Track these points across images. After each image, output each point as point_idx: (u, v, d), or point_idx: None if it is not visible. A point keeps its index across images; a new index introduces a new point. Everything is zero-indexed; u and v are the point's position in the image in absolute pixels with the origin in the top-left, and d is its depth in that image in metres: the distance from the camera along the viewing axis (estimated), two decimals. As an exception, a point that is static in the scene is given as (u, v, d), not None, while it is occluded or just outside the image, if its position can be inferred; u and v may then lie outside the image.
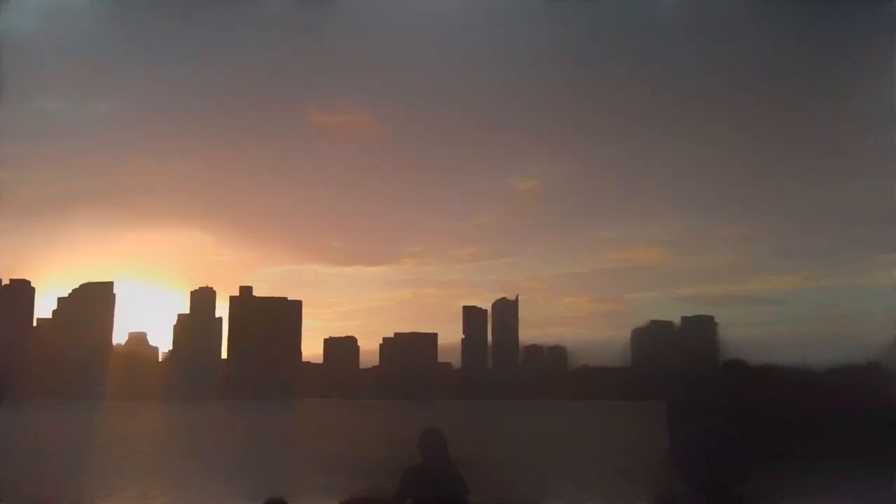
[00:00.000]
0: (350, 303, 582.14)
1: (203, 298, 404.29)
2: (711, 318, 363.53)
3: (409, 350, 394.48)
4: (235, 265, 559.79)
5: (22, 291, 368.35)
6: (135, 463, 56.71)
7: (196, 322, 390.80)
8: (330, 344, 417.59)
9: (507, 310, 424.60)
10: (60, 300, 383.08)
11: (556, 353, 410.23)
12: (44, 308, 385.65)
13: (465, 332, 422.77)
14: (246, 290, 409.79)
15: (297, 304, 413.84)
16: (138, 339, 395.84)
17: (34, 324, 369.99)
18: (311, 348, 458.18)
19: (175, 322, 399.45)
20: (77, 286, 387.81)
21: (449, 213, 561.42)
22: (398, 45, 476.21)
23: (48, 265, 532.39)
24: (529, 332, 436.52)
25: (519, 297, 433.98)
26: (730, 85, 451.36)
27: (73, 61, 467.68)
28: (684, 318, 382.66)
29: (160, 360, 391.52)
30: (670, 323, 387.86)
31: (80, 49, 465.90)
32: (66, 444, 75.65)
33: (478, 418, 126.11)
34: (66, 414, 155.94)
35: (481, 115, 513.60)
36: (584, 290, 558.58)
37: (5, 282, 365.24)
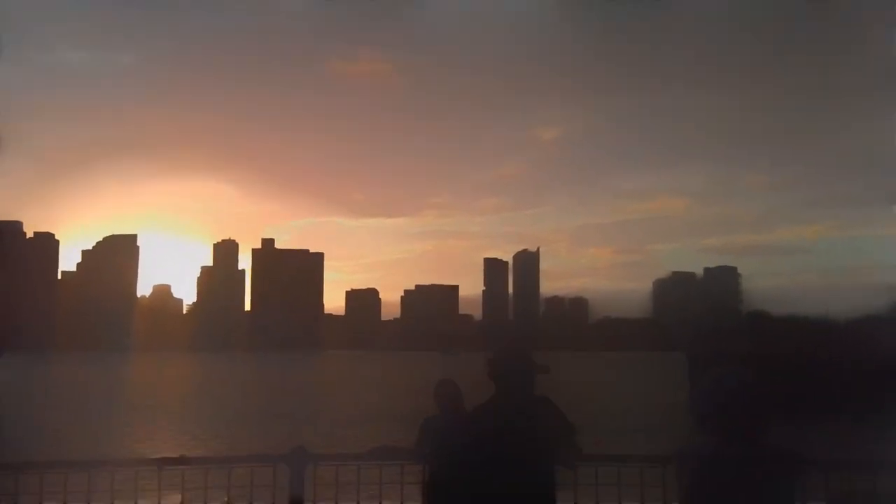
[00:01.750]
0: (372, 255, 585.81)
1: (226, 251, 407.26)
2: (734, 268, 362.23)
3: (430, 302, 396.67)
4: (258, 217, 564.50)
5: (46, 244, 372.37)
6: (164, 412, 57.73)
7: (219, 274, 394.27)
8: (352, 296, 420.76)
9: (528, 261, 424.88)
10: (85, 253, 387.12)
11: (578, 305, 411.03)
12: (68, 261, 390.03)
13: (486, 283, 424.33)
14: (268, 243, 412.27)
15: (319, 257, 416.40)
16: (162, 291, 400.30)
17: (59, 276, 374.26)
18: (334, 300, 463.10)
19: (199, 274, 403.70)
20: (101, 239, 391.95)
21: (471, 164, 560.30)
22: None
23: (72, 218, 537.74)
24: (551, 284, 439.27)
25: (540, 249, 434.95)
26: (753, 34, 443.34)
27: (94, 13, 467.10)
28: (707, 269, 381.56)
29: (184, 311, 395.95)
30: (693, 274, 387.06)
31: (101, 0, 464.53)
32: (100, 394, 76.99)
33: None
34: (93, 365, 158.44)
35: (504, 65, 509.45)
36: (606, 242, 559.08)
37: (29, 235, 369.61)
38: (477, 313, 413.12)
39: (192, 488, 9.61)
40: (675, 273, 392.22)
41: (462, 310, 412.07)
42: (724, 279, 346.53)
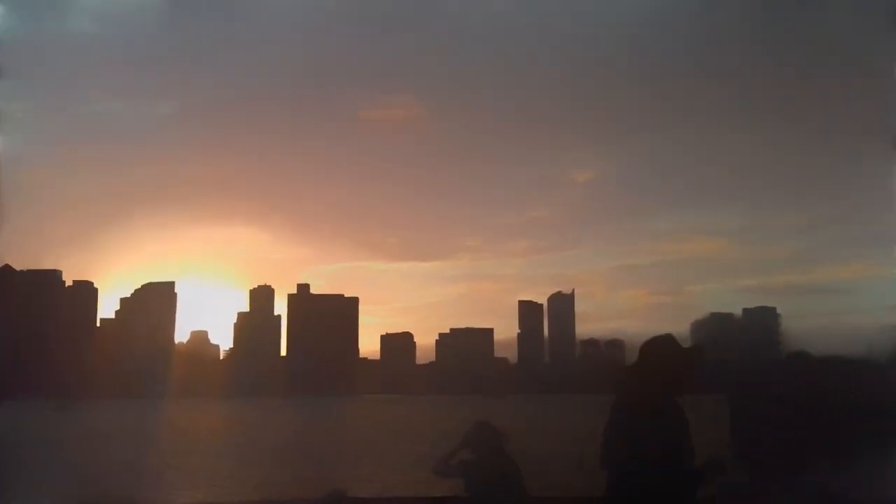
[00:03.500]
0: (405, 298, 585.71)
1: (262, 296, 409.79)
2: (773, 309, 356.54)
3: (465, 345, 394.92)
4: (293, 263, 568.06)
5: (85, 292, 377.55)
6: (204, 457, 57.88)
7: (255, 320, 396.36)
8: (386, 340, 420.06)
9: (563, 304, 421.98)
10: (123, 300, 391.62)
11: (615, 347, 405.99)
12: (107, 309, 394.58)
13: (520, 326, 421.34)
14: (303, 288, 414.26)
15: (354, 301, 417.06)
16: (200, 338, 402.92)
17: (98, 324, 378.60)
18: (369, 344, 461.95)
19: (235, 320, 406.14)
20: (139, 286, 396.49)
21: (503, 207, 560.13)
22: (450, 37, 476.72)
23: (110, 266, 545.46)
24: (586, 326, 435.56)
25: (575, 291, 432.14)
26: (787, 72, 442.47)
27: (130, 63, 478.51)
28: (745, 310, 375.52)
29: (221, 357, 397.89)
30: (731, 315, 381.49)
31: (136, 50, 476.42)
32: (140, 440, 77.47)
33: (538, 412, 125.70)
34: (132, 412, 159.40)
35: (535, 107, 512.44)
36: (642, 283, 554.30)
37: (69, 283, 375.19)
38: (512, 356, 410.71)
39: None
40: (712, 314, 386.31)
41: (497, 353, 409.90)
42: (763, 320, 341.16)
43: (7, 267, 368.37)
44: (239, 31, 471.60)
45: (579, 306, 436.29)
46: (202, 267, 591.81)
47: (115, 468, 49.14)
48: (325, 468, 47.79)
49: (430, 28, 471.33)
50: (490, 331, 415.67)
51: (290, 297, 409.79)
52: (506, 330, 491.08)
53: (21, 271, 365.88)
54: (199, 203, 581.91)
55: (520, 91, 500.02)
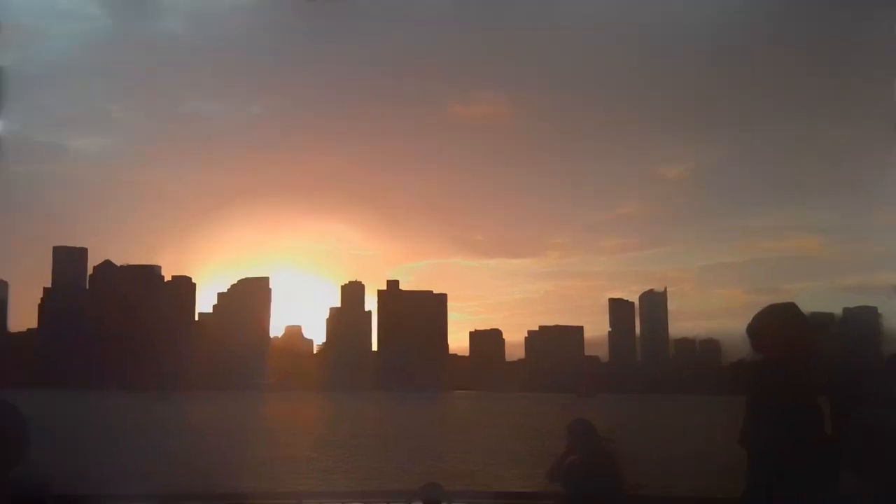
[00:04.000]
0: (494, 295, 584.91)
1: (353, 292, 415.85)
2: (874, 308, 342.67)
3: (554, 343, 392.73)
4: (382, 259, 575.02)
5: (184, 287, 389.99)
6: (299, 449, 59.21)
7: (347, 315, 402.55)
8: (475, 336, 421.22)
9: (655, 302, 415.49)
10: (220, 295, 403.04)
11: (709, 347, 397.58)
12: (205, 303, 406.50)
13: (611, 324, 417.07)
14: (393, 284, 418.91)
15: (443, 297, 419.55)
16: (294, 332, 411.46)
17: (196, 318, 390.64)
18: (458, 341, 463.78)
19: (328, 315, 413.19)
20: (235, 281, 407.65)
21: (593, 203, 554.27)
22: (538, 32, 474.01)
23: (208, 261, 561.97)
24: (680, 325, 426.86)
25: (668, 289, 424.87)
26: (884, 58, 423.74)
27: (224, 63, 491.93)
28: (846, 309, 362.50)
29: (315, 351, 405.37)
30: (831, 314, 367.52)
31: (230, 51, 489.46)
32: (238, 432, 79.64)
33: (632, 412, 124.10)
34: (229, 404, 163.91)
35: (625, 103, 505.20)
36: (737, 281, 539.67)
37: (168, 278, 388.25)
38: (603, 355, 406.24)
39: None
40: (812, 314, 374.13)
41: (588, 351, 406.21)
42: (864, 319, 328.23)
43: (108, 263, 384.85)
44: (329, 30, 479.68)
45: (672, 304, 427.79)
46: (296, 262, 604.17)
47: (216, 458, 50.74)
48: (422, 461, 48.34)
49: (519, 24, 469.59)
50: (580, 328, 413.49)
51: (380, 293, 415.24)
52: (596, 328, 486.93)
53: (122, 266, 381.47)
54: (292, 200, 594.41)
55: (609, 87, 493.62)
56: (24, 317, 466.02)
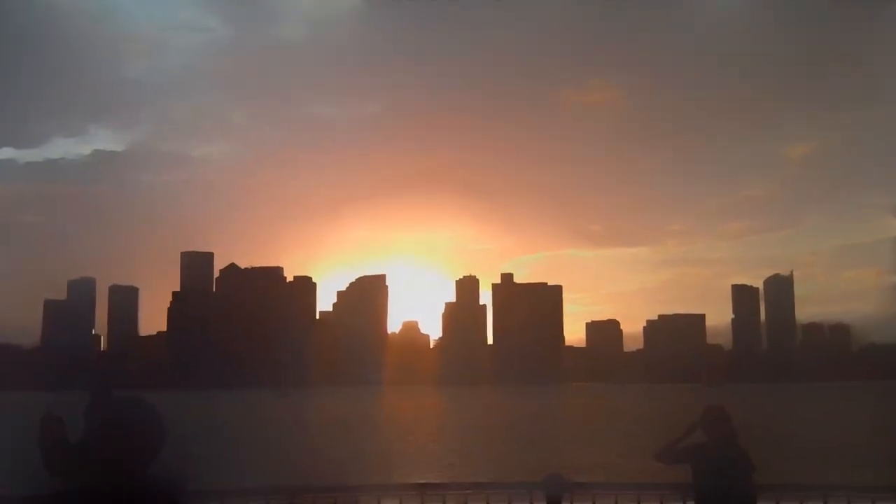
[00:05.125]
0: (611, 286, 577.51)
1: (468, 286, 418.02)
2: None
3: (675, 332, 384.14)
4: (496, 252, 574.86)
5: (305, 287, 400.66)
6: (421, 441, 59.89)
7: (462, 309, 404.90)
8: (592, 328, 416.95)
9: (781, 287, 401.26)
10: (339, 293, 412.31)
11: (839, 332, 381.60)
12: (325, 302, 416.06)
13: (734, 311, 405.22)
14: (507, 277, 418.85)
15: (558, 289, 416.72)
16: (411, 328, 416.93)
17: (317, 316, 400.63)
18: (574, 333, 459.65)
19: (443, 310, 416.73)
20: (354, 280, 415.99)
21: (713, 187, 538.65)
22: (651, 15, 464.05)
23: (327, 261, 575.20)
24: (807, 310, 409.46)
25: (794, 273, 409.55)
26: None
27: (339, 66, 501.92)
28: None
29: (431, 346, 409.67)
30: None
31: (345, 54, 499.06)
32: (362, 425, 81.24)
33: (758, 401, 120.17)
34: (352, 399, 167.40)
35: (744, 81, 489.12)
36: (868, 263, 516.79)
37: (289, 279, 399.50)
38: (727, 343, 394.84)
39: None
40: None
41: (710, 340, 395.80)
42: None
43: (233, 266, 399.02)
44: (440, 27, 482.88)
45: (798, 289, 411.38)
46: (411, 259, 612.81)
47: (340, 451, 51.79)
48: (543, 453, 48.11)
49: (631, 9, 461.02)
50: (702, 317, 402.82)
51: (495, 287, 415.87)
52: (719, 316, 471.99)
53: (246, 269, 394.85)
54: (407, 197, 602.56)
55: (726, 67, 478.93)
56: (154, 321, 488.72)
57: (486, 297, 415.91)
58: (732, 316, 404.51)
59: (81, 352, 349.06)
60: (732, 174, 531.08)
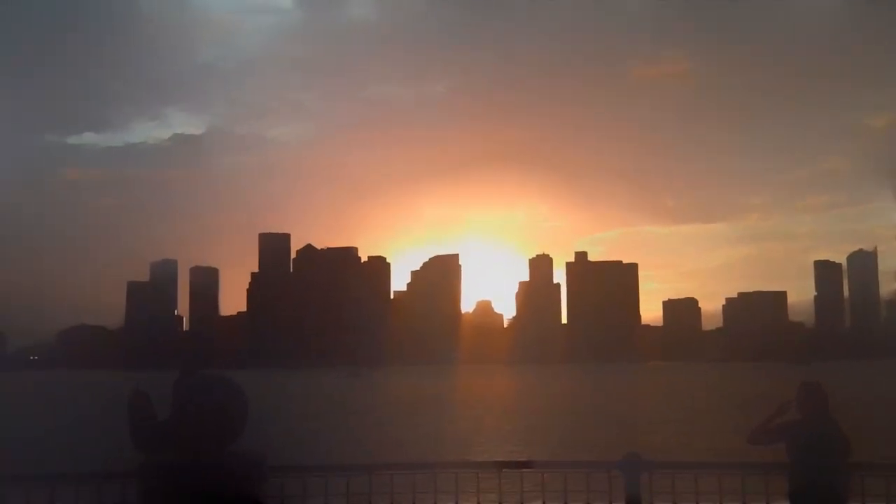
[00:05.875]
0: (688, 262, 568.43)
1: (541, 265, 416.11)
2: None
3: (755, 310, 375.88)
4: (570, 230, 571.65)
5: (379, 267, 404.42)
6: (497, 420, 60.09)
7: (536, 288, 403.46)
8: (669, 306, 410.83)
9: (865, 262, 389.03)
10: (413, 273, 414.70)
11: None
12: (399, 281, 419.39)
13: (817, 288, 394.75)
14: (581, 256, 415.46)
15: (633, 267, 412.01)
16: (485, 307, 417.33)
17: (391, 296, 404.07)
18: (650, 311, 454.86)
19: (517, 289, 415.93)
20: (427, 259, 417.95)
21: (794, 160, 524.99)
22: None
23: (400, 241, 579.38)
24: (891, 286, 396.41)
25: (878, 248, 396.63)
26: None
27: (406, 46, 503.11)
28: None
29: (505, 325, 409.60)
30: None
31: (413, 33, 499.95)
32: (436, 403, 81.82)
33: (844, 379, 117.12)
34: (427, 377, 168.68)
35: (824, 49, 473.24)
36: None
37: (364, 259, 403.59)
38: (808, 320, 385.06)
39: (530, 490, 9.92)
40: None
41: (792, 317, 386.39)
42: None
43: (309, 247, 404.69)
44: (508, 2, 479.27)
45: (883, 264, 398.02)
46: (485, 237, 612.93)
47: (419, 431, 52.31)
48: (623, 432, 47.80)
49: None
50: (783, 294, 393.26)
51: (569, 265, 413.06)
52: (800, 292, 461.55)
53: (321, 250, 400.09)
54: (478, 175, 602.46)
55: (802, 34, 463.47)
56: (234, 302, 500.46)
57: (559, 276, 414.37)
58: (815, 293, 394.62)
59: (164, 332, 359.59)
60: (813, 145, 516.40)
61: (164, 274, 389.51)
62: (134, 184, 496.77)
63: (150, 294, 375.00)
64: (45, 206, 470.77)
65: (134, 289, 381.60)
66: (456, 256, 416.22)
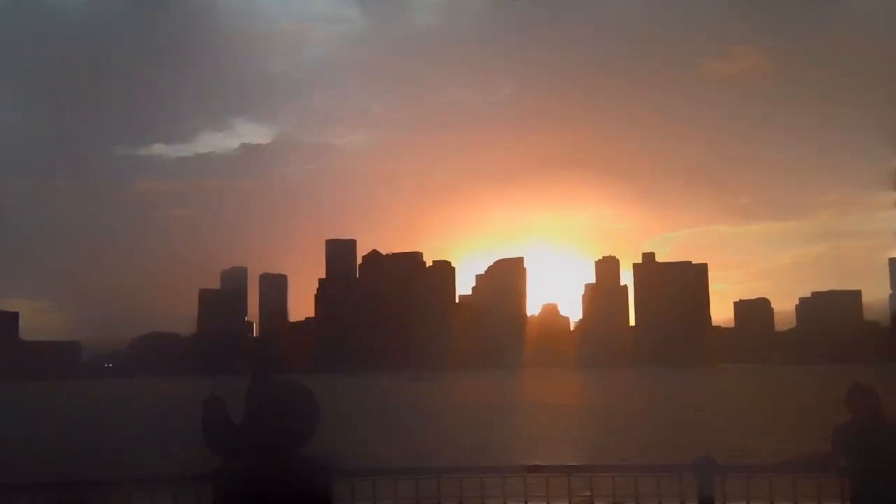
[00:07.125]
0: (760, 262, 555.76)
1: (608, 267, 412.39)
2: None
3: (829, 309, 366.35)
4: (636, 231, 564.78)
5: (444, 271, 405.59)
6: (569, 424, 59.79)
7: (602, 291, 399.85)
8: (740, 306, 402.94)
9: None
10: (478, 277, 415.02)
11: None
12: (464, 285, 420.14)
13: (893, 286, 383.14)
14: (648, 257, 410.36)
15: (703, 267, 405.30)
16: (550, 310, 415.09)
17: (456, 300, 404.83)
18: (721, 312, 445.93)
19: (583, 292, 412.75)
20: (492, 263, 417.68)
21: (868, 154, 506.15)
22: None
23: (465, 245, 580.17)
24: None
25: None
26: None
27: (474, 49, 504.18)
28: None
29: (571, 328, 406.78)
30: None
31: (477, 38, 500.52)
32: (502, 408, 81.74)
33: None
34: (494, 381, 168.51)
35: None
36: None
37: (429, 263, 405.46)
38: (885, 319, 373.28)
39: (600, 495, 9.85)
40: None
41: (866, 316, 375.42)
42: None
43: (375, 252, 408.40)
44: (574, 3, 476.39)
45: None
46: (550, 240, 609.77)
47: (484, 434, 52.29)
48: (695, 434, 47.15)
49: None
50: (857, 293, 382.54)
51: (636, 267, 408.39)
52: (876, 291, 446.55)
53: (387, 255, 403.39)
54: (543, 178, 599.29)
55: (875, 26, 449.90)
56: (302, 307, 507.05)
57: (626, 278, 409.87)
58: (890, 291, 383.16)
59: (235, 338, 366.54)
60: (889, 140, 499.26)
61: (235, 281, 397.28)
62: (203, 194, 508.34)
63: (222, 301, 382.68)
64: (118, 216, 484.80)
65: (205, 296, 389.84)
66: (521, 260, 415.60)
